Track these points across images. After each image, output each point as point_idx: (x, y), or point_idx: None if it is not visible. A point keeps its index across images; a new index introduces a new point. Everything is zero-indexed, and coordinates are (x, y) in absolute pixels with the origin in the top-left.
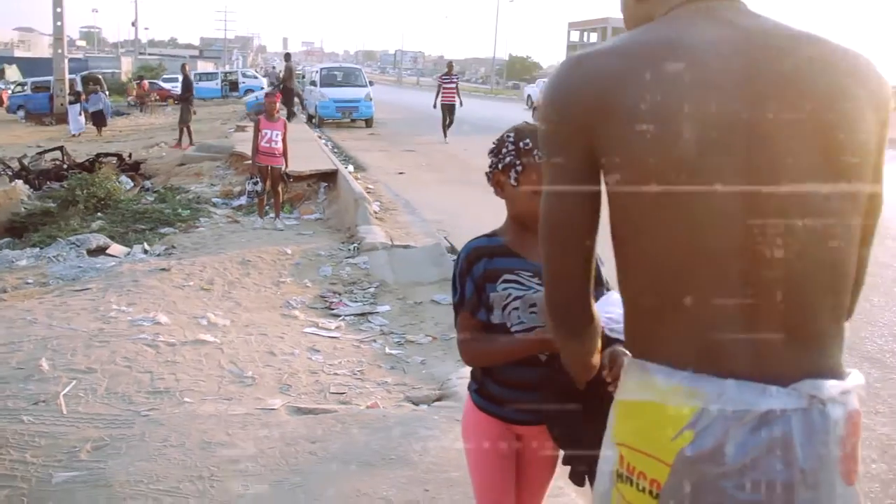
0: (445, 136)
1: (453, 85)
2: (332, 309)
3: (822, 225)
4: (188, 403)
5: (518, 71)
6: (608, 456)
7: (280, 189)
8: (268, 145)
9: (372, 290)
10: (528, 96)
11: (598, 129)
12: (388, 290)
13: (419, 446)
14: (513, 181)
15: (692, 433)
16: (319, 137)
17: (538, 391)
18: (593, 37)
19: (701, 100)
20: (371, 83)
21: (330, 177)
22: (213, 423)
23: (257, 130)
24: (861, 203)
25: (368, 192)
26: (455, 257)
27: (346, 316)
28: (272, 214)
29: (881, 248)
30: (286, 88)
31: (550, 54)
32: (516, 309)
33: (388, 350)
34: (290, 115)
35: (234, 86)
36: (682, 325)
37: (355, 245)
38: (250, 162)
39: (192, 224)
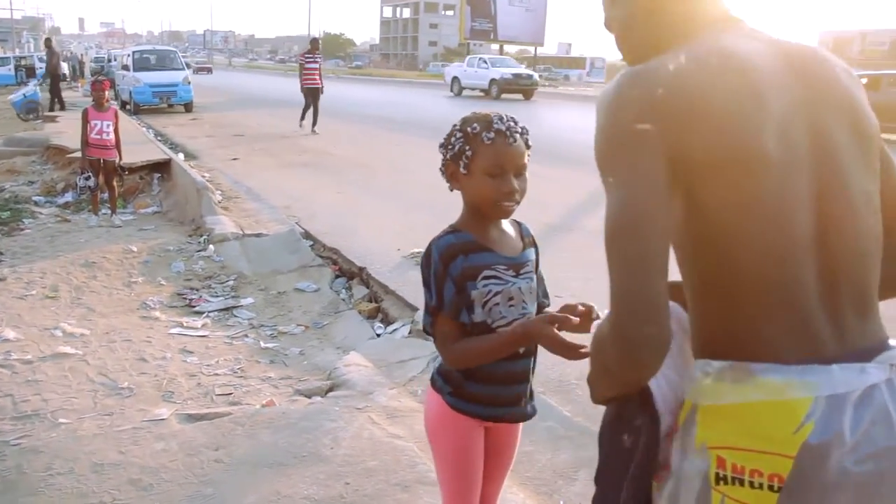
0: (302, 121)
1: (317, 65)
2: (194, 306)
3: (869, 205)
4: (65, 424)
5: (332, 48)
6: (696, 463)
7: (115, 183)
8: (98, 137)
9: (231, 282)
10: (455, 78)
11: (681, 135)
12: (248, 281)
13: (328, 440)
14: (462, 168)
15: (812, 423)
16: (140, 125)
17: (523, 383)
18: (406, 12)
19: (769, 100)
20: (210, 70)
21: (163, 167)
22: (101, 443)
23: (85, 121)
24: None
25: (206, 181)
26: (309, 244)
27: (209, 312)
28: (105, 210)
29: None
30: (53, 76)
31: (364, 30)
32: (497, 304)
33: (262, 344)
34: (56, 106)
35: (30, 71)
36: (779, 323)
37: (204, 237)
38: (78, 156)
39: (15, 227)
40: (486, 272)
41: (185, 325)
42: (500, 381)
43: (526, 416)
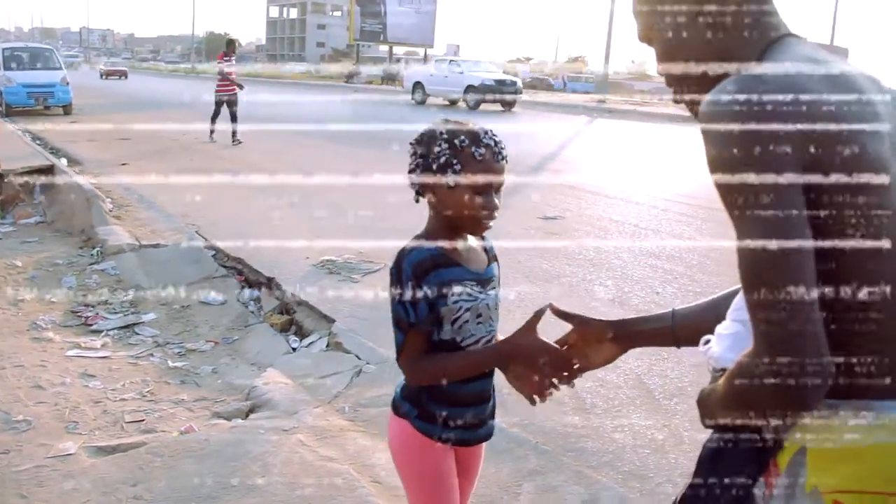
0: (213, 134)
1: (233, 69)
2: (90, 325)
3: None
4: None
5: (217, 48)
6: None
7: None
8: None
9: (129, 297)
10: (418, 84)
11: (821, 151)
12: (148, 295)
13: (258, 466)
14: (451, 182)
15: None
16: (15, 128)
17: (489, 401)
18: (293, 12)
19: (883, 118)
20: (126, 75)
21: (45, 173)
22: None
23: None
24: None
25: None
26: (211, 254)
27: (108, 331)
28: None
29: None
30: None
31: (249, 30)
32: (467, 322)
33: (171, 363)
34: None
35: None
36: None
37: (97, 249)
38: None
39: None
40: (456, 288)
41: (82, 345)
42: (469, 403)
43: (491, 434)
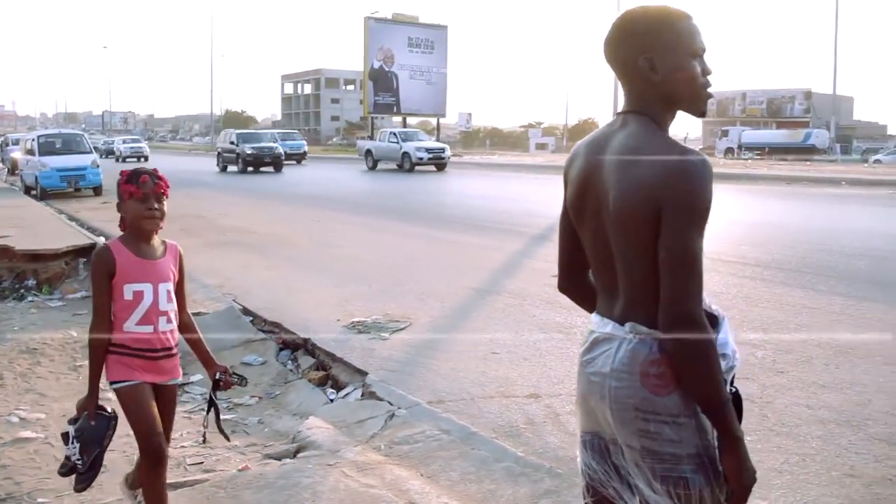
0: None
1: None
2: None
3: (617, 233)
4: None
5: (235, 125)
6: None
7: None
8: (149, 330)
9: None
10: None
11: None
12: (193, 359)
13: (308, 494)
14: None
15: (585, 342)
16: (52, 211)
17: None
18: (307, 88)
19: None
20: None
21: (87, 252)
22: None
23: (108, 283)
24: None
25: None
26: (249, 319)
27: None
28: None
29: None
30: None
31: (265, 107)
32: None
33: (221, 416)
34: None
35: None
36: (598, 292)
37: None
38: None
39: None
40: None
41: None
42: None
43: None
